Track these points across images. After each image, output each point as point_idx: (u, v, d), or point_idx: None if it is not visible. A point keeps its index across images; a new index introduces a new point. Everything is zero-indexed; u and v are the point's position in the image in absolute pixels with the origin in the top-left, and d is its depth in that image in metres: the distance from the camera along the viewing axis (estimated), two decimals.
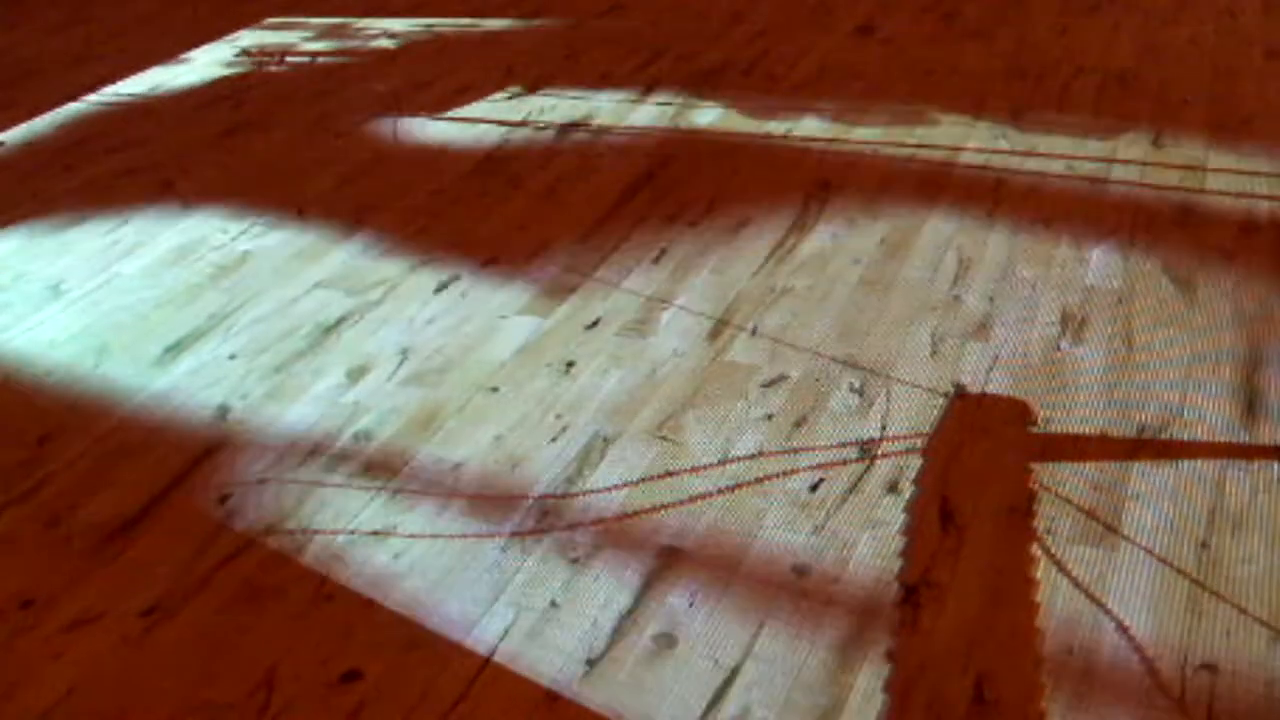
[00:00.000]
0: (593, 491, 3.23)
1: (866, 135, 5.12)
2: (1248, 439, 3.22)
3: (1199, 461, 3.15)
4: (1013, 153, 4.84)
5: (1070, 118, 5.11)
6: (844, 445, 3.32)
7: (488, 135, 5.46)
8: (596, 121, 5.51)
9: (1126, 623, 2.69)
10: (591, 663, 2.72)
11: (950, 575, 2.86)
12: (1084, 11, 6.31)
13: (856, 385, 3.55)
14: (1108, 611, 2.72)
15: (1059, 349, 3.63)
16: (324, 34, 7.12)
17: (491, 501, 3.23)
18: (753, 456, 3.31)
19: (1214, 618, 2.69)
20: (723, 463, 3.30)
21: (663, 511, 3.14)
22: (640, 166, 5.02)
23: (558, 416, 3.54)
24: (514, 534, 3.11)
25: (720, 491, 3.19)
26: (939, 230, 4.32)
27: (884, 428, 3.37)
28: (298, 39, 7.05)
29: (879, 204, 4.54)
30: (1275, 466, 3.11)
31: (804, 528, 3.04)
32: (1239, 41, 5.75)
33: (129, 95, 6.36)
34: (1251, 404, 3.34)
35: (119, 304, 4.33)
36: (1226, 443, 3.21)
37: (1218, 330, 3.65)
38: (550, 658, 2.74)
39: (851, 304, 3.93)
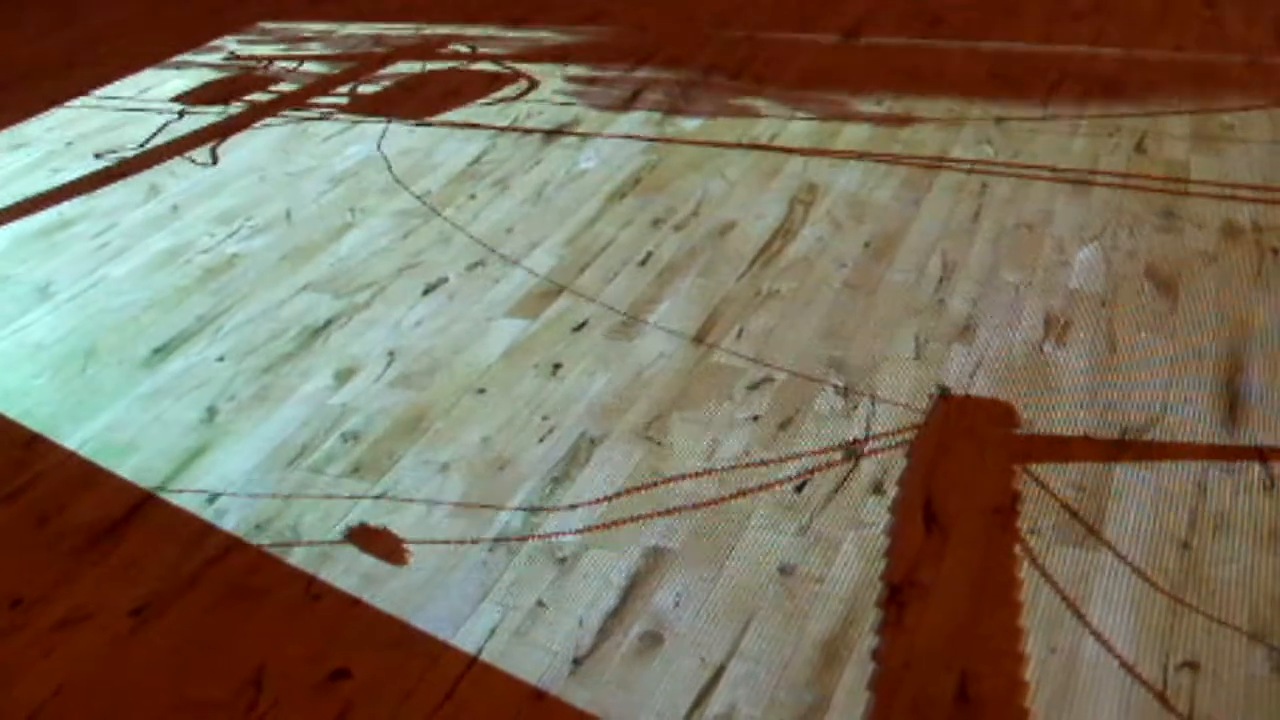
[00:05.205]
0: (579, 493, 3.25)
1: (852, 140, 5.14)
2: (1229, 441, 3.24)
3: (1181, 463, 3.17)
4: (996, 161, 4.87)
5: (1054, 123, 5.13)
6: (829, 447, 3.34)
7: (474, 139, 5.48)
8: (583, 126, 5.53)
9: (1107, 623, 2.71)
10: (578, 661, 2.73)
11: (934, 575, 2.88)
12: (1068, 19, 6.33)
13: (841, 387, 3.57)
14: (1085, 619, 2.75)
15: (1042, 351, 3.65)
16: (314, 39, 7.14)
17: (479, 502, 3.25)
18: (738, 457, 3.33)
19: (1195, 616, 2.71)
20: (708, 464, 3.31)
21: (649, 512, 3.16)
22: (627, 170, 5.04)
23: (545, 418, 3.56)
24: (501, 534, 3.12)
25: (706, 492, 3.21)
26: (924, 234, 4.34)
27: (869, 429, 3.39)
28: (287, 44, 7.08)
29: (864, 207, 4.56)
30: (1256, 468, 3.14)
31: (789, 528, 3.06)
32: (1221, 49, 5.78)
33: (118, 99, 6.38)
34: (1233, 406, 3.37)
35: (108, 306, 4.34)
36: (1208, 444, 3.23)
37: (1199, 333, 3.67)
38: (537, 656, 2.76)
39: (836, 307, 3.95)
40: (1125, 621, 2.71)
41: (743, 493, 3.20)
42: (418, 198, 4.96)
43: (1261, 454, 3.19)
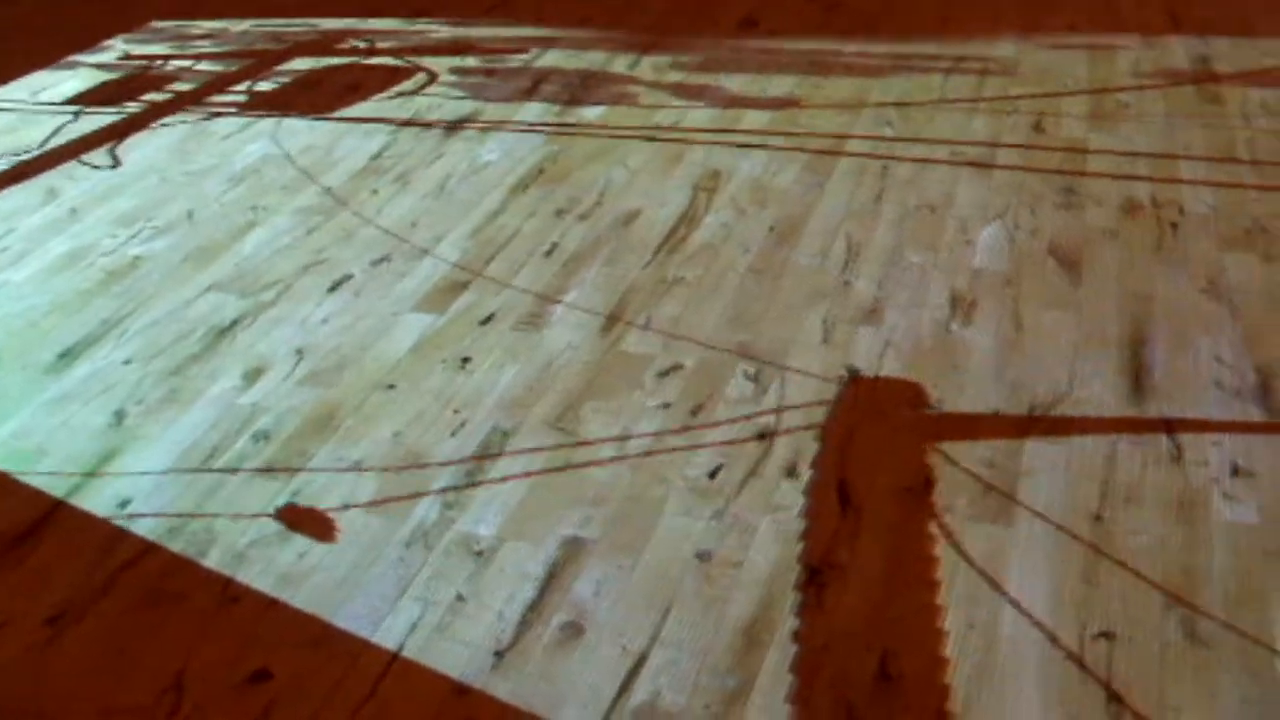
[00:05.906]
0: (494, 486, 3.25)
1: (753, 125, 5.17)
2: (1136, 413, 3.29)
3: (1089, 437, 3.22)
4: (898, 139, 4.91)
5: (953, 105, 5.18)
6: (741, 431, 3.36)
7: (375, 134, 5.46)
8: (483, 118, 5.52)
9: (1023, 597, 2.74)
10: (500, 654, 2.73)
11: (851, 556, 2.90)
12: (965, 1, 6.39)
13: (751, 372, 3.59)
14: (1003, 592, 2.78)
15: (949, 331, 3.69)
16: (208, 36, 7.07)
17: (393, 498, 3.24)
18: (651, 445, 3.33)
19: (1110, 587, 2.75)
20: (621, 452, 3.32)
21: (564, 502, 3.16)
22: (529, 161, 5.03)
23: (455, 412, 3.55)
24: (416, 529, 3.12)
25: (620, 481, 3.21)
26: (827, 217, 4.37)
27: (780, 413, 3.41)
28: (181, 43, 7.01)
29: (767, 192, 4.58)
30: (1163, 440, 3.18)
31: (705, 514, 3.07)
32: (1115, 28, 5.85)
33: (11, 101, 6.29)
34: (1138, 379, 3.41)
35: (9, 312, 4.29)
36: (1116, 417, 3.28)
37: (1103, 308, 3.72)
38: (458, 651, 2.75)
39: (743, 292, 3.97)
40: (1041, 594, 2.74)
41: (657, 480, 3.21)
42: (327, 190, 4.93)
43: (1168, 425, 3.23)
